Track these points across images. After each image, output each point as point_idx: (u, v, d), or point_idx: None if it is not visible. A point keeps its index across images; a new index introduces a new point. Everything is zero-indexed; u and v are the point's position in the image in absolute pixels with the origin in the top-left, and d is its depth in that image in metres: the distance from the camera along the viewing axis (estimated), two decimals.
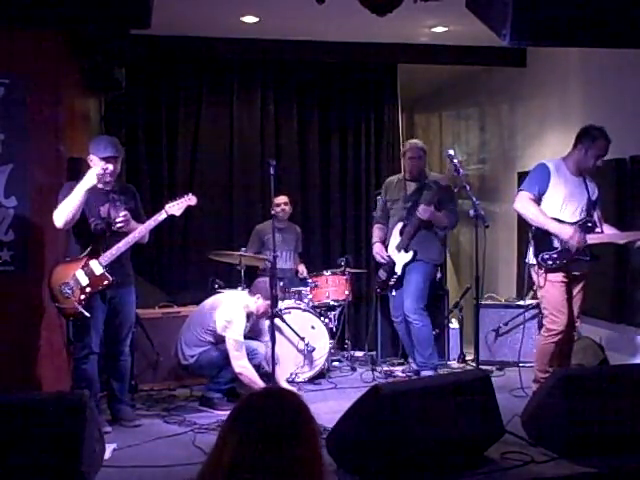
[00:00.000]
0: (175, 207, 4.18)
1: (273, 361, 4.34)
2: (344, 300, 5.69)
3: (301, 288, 5.67)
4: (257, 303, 4.60)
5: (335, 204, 6.62)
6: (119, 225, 4.01)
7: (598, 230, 4.34)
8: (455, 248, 7.54)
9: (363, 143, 6.68)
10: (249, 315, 4.60)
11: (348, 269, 5.78)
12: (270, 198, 6.03)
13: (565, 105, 5.82)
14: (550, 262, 4.29)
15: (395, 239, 5.27)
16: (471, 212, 4.63)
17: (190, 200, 4.22)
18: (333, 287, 5.64)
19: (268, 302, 4.52)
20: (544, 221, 4.29)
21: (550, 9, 3.26)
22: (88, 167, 4.12)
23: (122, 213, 4.02)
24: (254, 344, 4.61)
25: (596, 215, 4.40)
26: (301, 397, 1.55)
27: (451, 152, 4.76)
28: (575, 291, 4.46)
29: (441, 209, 5.16)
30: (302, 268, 5.96)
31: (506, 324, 5.72)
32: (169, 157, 6.28)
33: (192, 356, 4.54)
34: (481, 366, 4.91)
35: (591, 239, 4.27)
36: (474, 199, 4.62)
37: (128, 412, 4.27)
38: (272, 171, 4.48)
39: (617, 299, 5.15)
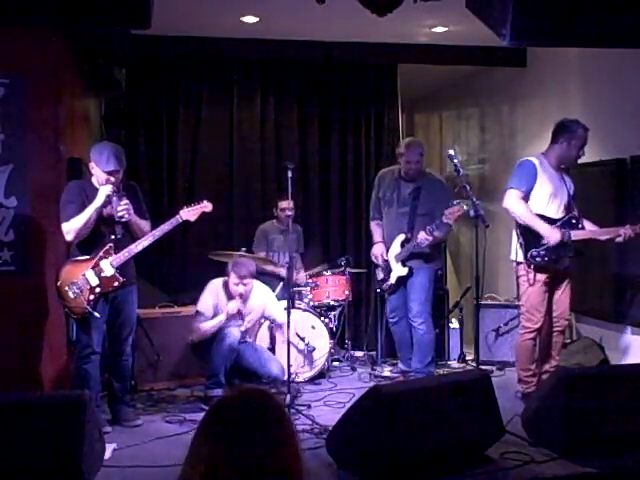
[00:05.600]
0: (190, 213, 4.21)
1: (288, 360, 4.34)
2: (344, 300, 5.69)
3: (301, 288, 5.67)
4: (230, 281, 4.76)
5: (335, 204, 6.61)
6: (120, 214, 4.01)
7: (581, 226, 4.44)
8: (455, 248, 7.54)
9: (363, 143, 6.67)
10: (226, 292, 4.80)
11: (348, 269, 5.79)
12: (272, 199, 6.09)
13: (565, 105, 5.81)
14: (539, 259, 4.36)
15: (396, 248, 5.16)
16: (471, 212, 4.62)
17: (206, 207, 4.27)
18: (333, 287, 5.63)
19: (233, 276, 4.70)
20: (533, 221, 4.36)
21: (550, 9, 3.26)
22: (89, 171, 4.13)
23: (123, 202, 4.02)
24: (228, 327, 4.65)
25: (576, 210, 4.50)
26: (272, 395, 1.53)
27: (451, 152, 4.75)
28: (560, 289, 4.54)
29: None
30: (302, 276, 5.86)
31: (506, 324, 5.72)
32: (169, 157, 6.28)
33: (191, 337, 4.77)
34: (481, 366, 4.91)
35: (575, 235, 4.36)
36: (474, 199, 4.62)
37: (128, 412, 4.27)
38: (290, 174, 4.51)
39: (617, 299, 5.15)
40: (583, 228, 4.44)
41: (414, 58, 6.32)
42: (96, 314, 3.96)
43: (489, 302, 5.91)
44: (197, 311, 4.78)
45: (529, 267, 4.40)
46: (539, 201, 4.43)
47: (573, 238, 4.36)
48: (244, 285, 4.69)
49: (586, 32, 3.38)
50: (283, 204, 5.72)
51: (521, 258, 4.44)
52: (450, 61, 6.39)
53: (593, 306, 5.35)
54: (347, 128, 6.65)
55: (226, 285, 4.80)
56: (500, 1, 3.26)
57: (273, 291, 5.44)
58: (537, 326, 4.45)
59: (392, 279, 5.19)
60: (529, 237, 4.39)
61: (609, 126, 5.25)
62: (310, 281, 5.63)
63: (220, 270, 5.72)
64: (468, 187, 4.66)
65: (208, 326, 4.67)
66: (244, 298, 4.76)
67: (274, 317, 5.02)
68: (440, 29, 5.71)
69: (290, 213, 5.76)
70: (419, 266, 5.12)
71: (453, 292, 6.34)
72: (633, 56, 4.63)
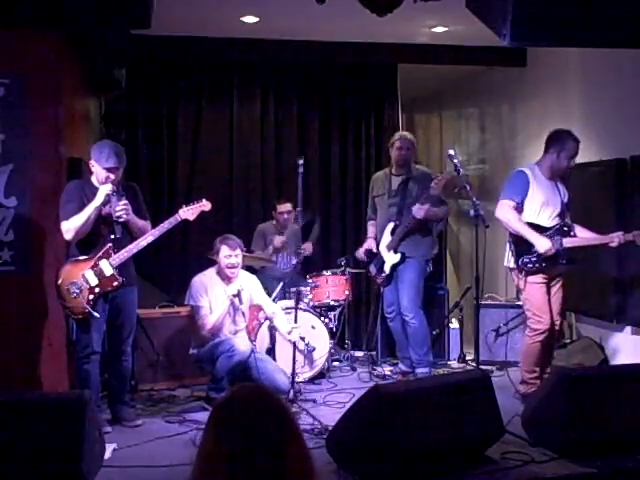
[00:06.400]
0: (189, 212, 4.22)
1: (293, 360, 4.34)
2: (344, 300, 5.69)
3: (301, 288, 5.66)
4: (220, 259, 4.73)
5: (335, 204, 6.61)
6: (118, 214, 4.01)
7: (572, 234, 4.45)
8: (455, 248, 7.54)
9: (363, 143, 6.67)
10: (220, 277, 4.75)
11: (348, 269, 5.79)
12: (272, 199, 6.08)
13: (565, 105, 5.82)
14: (530, 265, 4.39)
15: (386, 238, 5.28)
16: (471, 212, 4.63)
17: (204, 206, 4.28)
18: (333, 287, 5.63)
19: (224, 249, 4.68)
20: (523, 231, 4.39)
21: (550, 9, 3.26)
22: (89, 170, 4.13)
23: (122, 202, 4.02)
24: (235, 341, 4.60)
25: (568, 218, 4.52)
26: (275, 394, 1.52)
27: (451, 152, 4.77)
28: (553, 291, 4.55)
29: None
30: (308, 246, 5.84)
31: (506, 324, 5.72)
32: (169, 157, 6.28)
33: (194, 347, 4.70)
34: (481, 366, 4.91)
35: (567, 243, 4.38)
36: (474, 199, 4.62)
37: (128, 412, 4.27)
38: (301, 170, 4.52)
39: (617, 299, 5.15)
40: (575, 236, 4.47)
41: (414, 58, 6.32)
42: (95, 314, 3.96)
43: (489, 302, 5.91)
44: (195, 306, 4.66)
45: (520, 273, 4.44)
46: (530, 210, 4.46)
47: (565, 245, 4.38)
48: (235, 257, 4.71)
49: (586, 32, 3.39)
50: (281, 208, 5.77)
51: (513, 265, 4.48)
52: (450, 61, 6.39)
53: (593, 306, 5.35)
54: (347, 128, 6.65)
55: (219, 272, 4.77)
56: (500, 1, 3.26)
57: (272, 291, 5.44)
58: (546, 327, 4.43)
59: (386, 269, 5.26)
60: (521, 244, 4.42)
61: (609, 126, 5.26)
62: (310, 281, 5.63)
63: None
64: (468, 187, 4.67)
65: (215, 317, 4.61)
66: (237, 269, 4.74)
67: (261, 304, 4.95)
68: (440, 29, 5.71)
69: (287, 216, 5.77)
70: (409, 254, 5.18)
71: (453, 292, 6.34)
72: (633, 56, 4.63)
